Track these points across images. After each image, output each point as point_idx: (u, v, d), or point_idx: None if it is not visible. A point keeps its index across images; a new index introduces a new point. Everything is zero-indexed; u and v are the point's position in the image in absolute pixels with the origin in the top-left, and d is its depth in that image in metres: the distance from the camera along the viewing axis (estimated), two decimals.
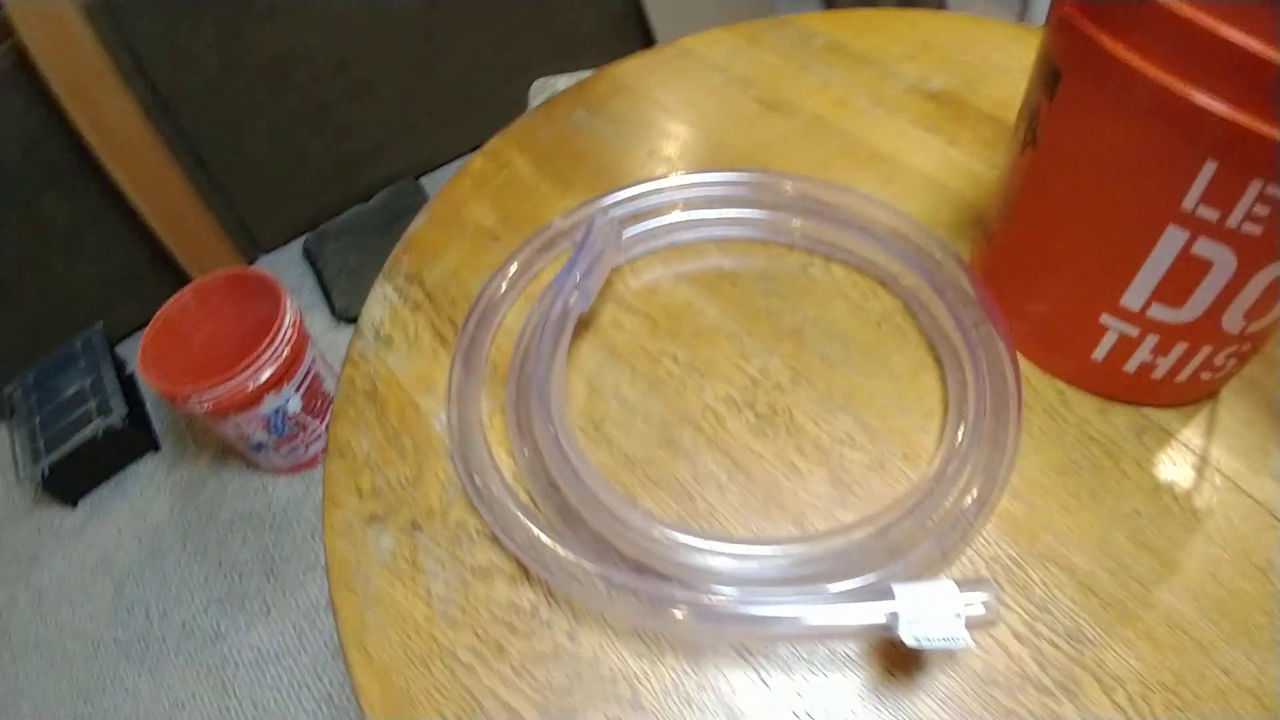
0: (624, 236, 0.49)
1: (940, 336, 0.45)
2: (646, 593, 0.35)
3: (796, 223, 0.50)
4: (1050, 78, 0.36)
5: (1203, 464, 0.42)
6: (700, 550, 0.36)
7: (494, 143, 0.63)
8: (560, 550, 0.37)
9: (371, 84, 1.43)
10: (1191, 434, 0.43)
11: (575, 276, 0.44)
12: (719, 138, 0.59)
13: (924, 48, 0.67)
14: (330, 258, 1.47)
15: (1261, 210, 0.31)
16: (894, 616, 0.32)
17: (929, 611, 0.32)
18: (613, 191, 0.51)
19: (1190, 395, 0.44)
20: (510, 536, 0.38)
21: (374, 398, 0.47)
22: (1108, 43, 0.31)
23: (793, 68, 0.65)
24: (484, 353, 0.46)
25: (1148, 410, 0.44)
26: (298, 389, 1.07)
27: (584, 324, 0.48)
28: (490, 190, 0.58)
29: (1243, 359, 0.42)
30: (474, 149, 0.63)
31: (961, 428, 0.40)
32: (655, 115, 0.62)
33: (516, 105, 1.54)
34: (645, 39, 1.67)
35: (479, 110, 1.56)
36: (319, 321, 1.42)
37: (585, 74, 1.09)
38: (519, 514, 0.38)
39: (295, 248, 1.54)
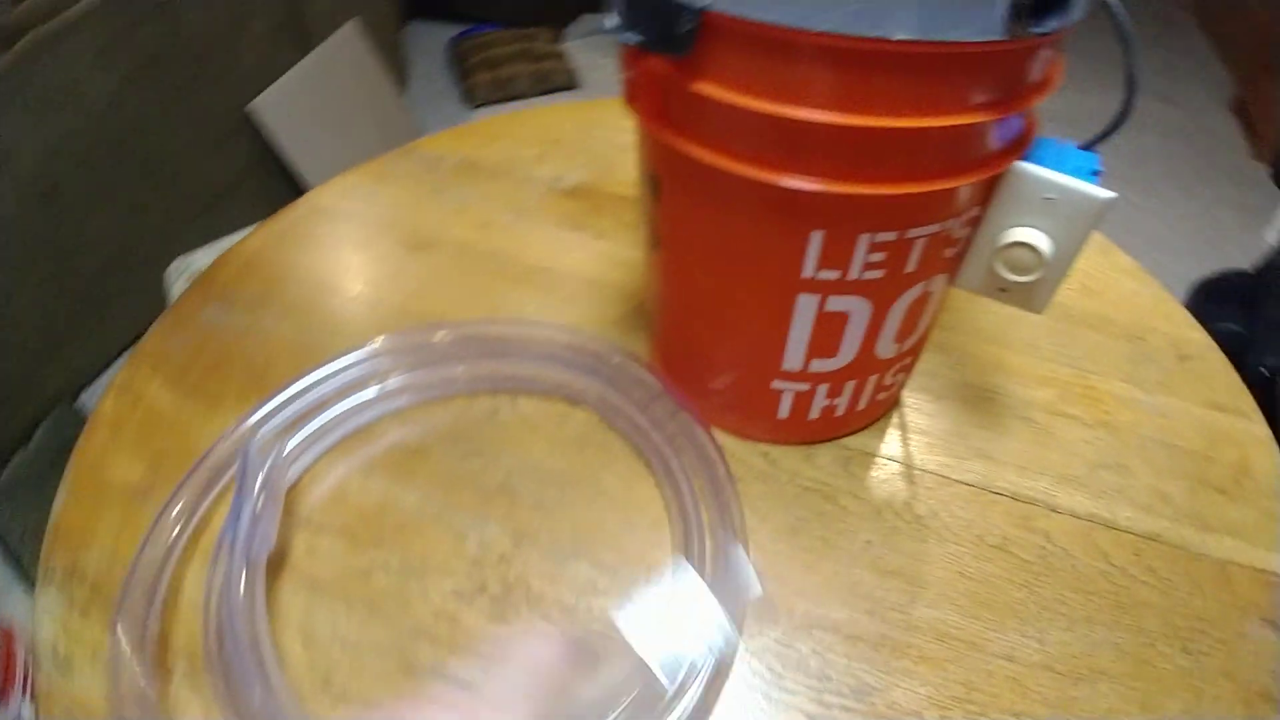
0: (289, 448, 0.44)
1: (642, 438, 0.44)
2: None
3: (466, 370, 0.47)
4: (653, 183, 0.36)
5: (909, 470, 0.45)
6: None
7: (122, 374, 0.55)
8: None
9: None
10: (889, 446, 0.46)
11: (244, 522, 0.38)
12: (369, 296, 0.56)
13: (552, 145, 0.68)
14: (8, 524, 1.25)
15: (877, 256, 0.33)
16: None
17: None
18: (263, 401, 0.45)
19: (875, 414, 0.46)
20: None
21: None
22: (687, 146, 0.32)
23: (427, 198, 0.64)
24: (157, 642, 0.39)
25: (846, 440, 0.46)
26: (26, 694, 0.88)
27: (274, 566, 0.41)
28: (129, 435, 0.50)
29: (909, 369, 0.45)
30: (130, 345, 0.54)
31: (685, 526, 0.39)
32: (296, 291, 0.57)
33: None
34: (289, 179, 1.59)
35: (128, 299, 1.40)
36: (23, 600, 1.19)
37: (223, 243, 1.01)
38: None
39: None
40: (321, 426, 0.45)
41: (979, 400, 0.48)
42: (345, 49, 1.66)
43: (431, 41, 2.29)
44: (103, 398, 0.53)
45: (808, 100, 0.27)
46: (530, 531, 0.42)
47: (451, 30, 2.25)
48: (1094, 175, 0.34)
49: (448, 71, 2.17)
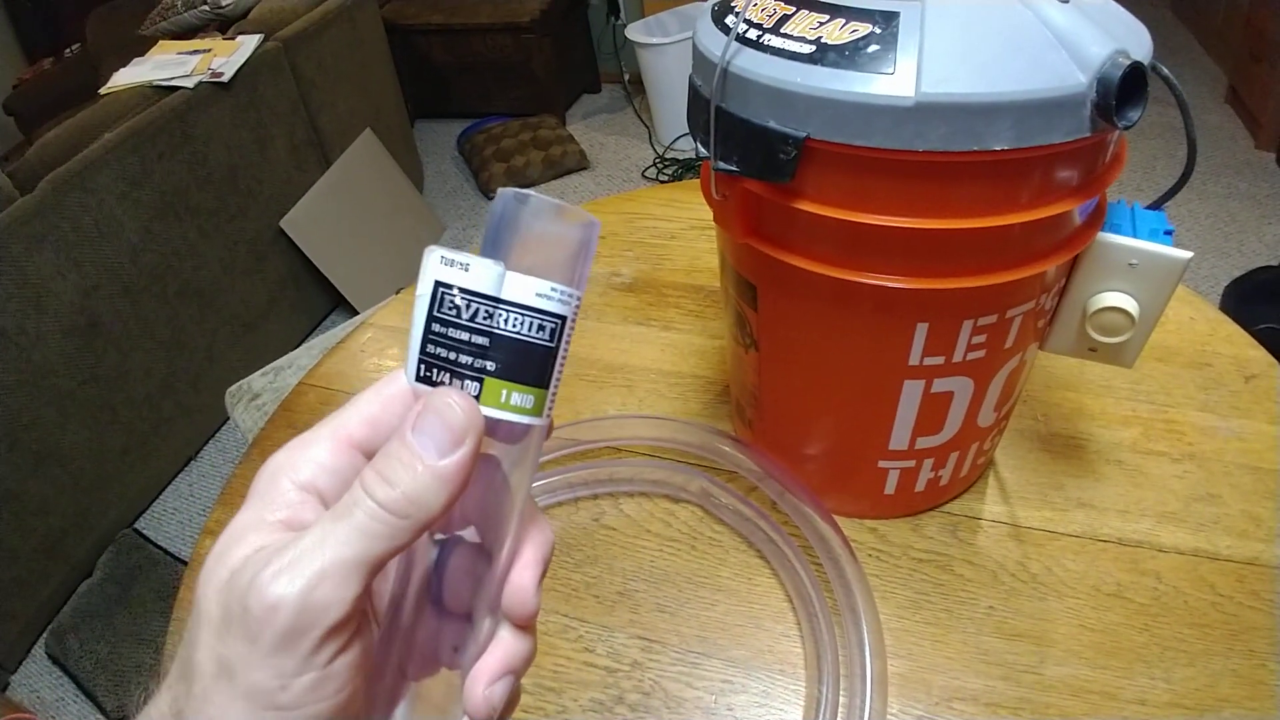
0: None
1: (751, 528, 0.45)
2: None
3: (563, 478, 0.48)
4: (747, 290, 0.38)
5: (1015, 529, 0.45)
6: None
7: (215, 515, 0.56)
8: None
9: (51, 450, 1.26)
10: (991, 507, 0.46)
11: None
12: None
13: (600, 241, 0.70)
14: (78, 656, 1.26)
15: (979, 339, 0.34)
16: None
17: None
18: None
19: (975, 476, 0.47)
20: None
21: None
22: (791, 258, 0.33)
23: None
24: None
25: (948, 506, 0.46)
26: None
27: None
28: None
29: (1004, 430, 0.45)
30: (184, 468, 0.55)
31: (812, 612, 0.40)
32: None
33: (213, 409, 1.42)
34: (326, 289, 1.63)
35: (175, 428, 1.43)
36: None
37: (277, 365, 1.04)
38: None
39: (41, 655, 1.30)
40: None
41: (1068, 449, 0.49)
42: (364, 157, 1.72)
43: (439, 139, 2.36)
44: (199, 542, 0.55)
45: (909, 210, 0.29)
46: (658, 636, 0.42)
47: (456, 127, 2.32)
48: (1168, 235, 0.36)
49: (459, 166, 2.23)
